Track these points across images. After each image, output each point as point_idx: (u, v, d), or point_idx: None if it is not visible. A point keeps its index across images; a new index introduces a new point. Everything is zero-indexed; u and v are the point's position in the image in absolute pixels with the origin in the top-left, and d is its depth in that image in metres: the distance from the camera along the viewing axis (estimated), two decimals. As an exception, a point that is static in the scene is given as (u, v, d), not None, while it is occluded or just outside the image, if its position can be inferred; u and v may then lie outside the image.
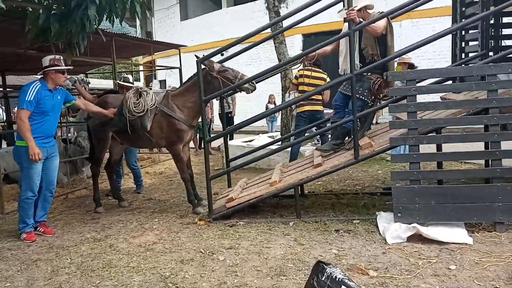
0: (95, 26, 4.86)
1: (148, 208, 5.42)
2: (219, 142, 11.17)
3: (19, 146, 4.27)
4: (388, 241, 3.72)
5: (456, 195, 3.83)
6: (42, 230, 4.48)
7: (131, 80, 7.12)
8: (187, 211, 5.11)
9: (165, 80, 23.62)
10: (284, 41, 8.40)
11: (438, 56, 12.70)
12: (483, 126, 4.27)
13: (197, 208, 4.97)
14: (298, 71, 6.43)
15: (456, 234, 3.68)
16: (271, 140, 8.22)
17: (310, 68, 6.27)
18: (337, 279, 2.37)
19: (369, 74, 4.44)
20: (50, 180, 4.47)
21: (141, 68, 19.63)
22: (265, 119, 12.22)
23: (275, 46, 8.37)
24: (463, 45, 5.70)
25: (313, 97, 6.03)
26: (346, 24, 4.35)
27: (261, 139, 8.38)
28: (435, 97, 5.17)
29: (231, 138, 9.82)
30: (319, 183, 6.03)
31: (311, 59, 5.25)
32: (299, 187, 4.60)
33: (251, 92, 4.93)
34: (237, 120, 9.85)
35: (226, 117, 8.91)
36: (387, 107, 4.14)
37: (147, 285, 3.19)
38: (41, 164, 4.28)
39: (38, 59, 7.77)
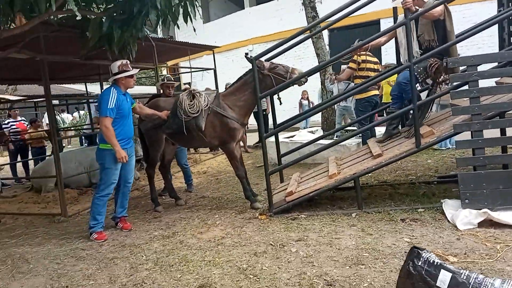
0: (148, 32, 5.01)
1: (205, 205, 5.53)
2: (255, 140, 11.31)
3: (103, 149, 4.49)
4: (459, 227, 3.71)
5: (524, 179, 3.79)
6: (122, 225, 4.75)
7: (172, 79, 7.29)
8: (244, 206, 5.20)
9: (189, 83, 23.92)
10: (322, 36, 8.42)
11: (481, 42, 12.52)
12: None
13: (255, 203, 5.06)
14: (360, 56, 6.48)
15: (528, 217, 3.65)
16: (312, 135, 8.27)
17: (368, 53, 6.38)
18: (435, 263, 2.39)
19: (431, 59, 4.41)
20: (128, 178, 4.76)
21: (164, 71, 19.93)
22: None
23: (313, 41, 8.40)
24: (511, 29, 5.61)
25: None
26: (401, 15, 4.38)
27: (302, 135, 8.42)
28: (490, 83, 5.11)
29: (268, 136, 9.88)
30: (369, 175, 6.03)
31: (365, 51, 5.27)
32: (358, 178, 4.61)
33: (303, 84, 5.01)
34: (271, 117, 9.91)
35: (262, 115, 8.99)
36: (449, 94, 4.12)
37: (227, 277, 3.28)
38: (120, 165, 4.51)
39: (81, 67, 8.03)
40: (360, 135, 6.88)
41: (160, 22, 4.48)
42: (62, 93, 14.08)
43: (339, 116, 8.78)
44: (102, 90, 4.73)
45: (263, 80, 4.90)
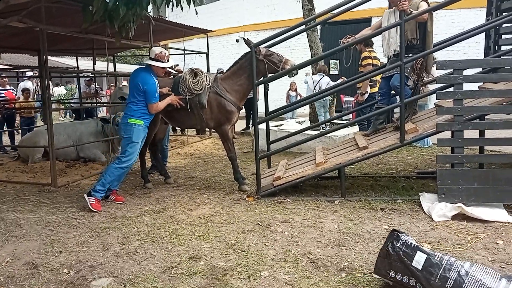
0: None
1: (194, 185, 5.70)
2: (242, 126, 11.47)
3: (131, 123, 4.76)
4: (434, 219, 3.98)
5: (497, 178, 4.07)
6: (114, 198, 4.91)
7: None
8: (232, 188, 5.39)
9: (177, 65, 23.76)
10: (316, 29, 8.60)
11: (467, 48, 12.88)
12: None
13: (243, 186, 5.25)
14: (371, 52, 6.92)
15: (497, 213, 3.95)
16: (299, 125, 8.50)
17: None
18: (412, 245, 2.64)
19: (410, 54, 4.66)
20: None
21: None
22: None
23: (307, 34, 8.57)
24: (497, 37, 5.90)
25: None
26: (387, 11, 4.64)
27: (290, 124, 8.64)
28: (473, 87, 5.40)
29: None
30: (353, 167, 6.29)
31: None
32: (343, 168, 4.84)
33: (294, 75, 5.22)
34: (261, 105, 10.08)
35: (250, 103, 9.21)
36: (435, 94, 4.37)
37: (217, 251, 3.48)
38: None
39: (74, 40, 7.99)
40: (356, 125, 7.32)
41: (164, 2, 4.56)
42: (53, 66, 13.92)
43: (319, 108, 9.41)
44: (140, 72, 4.86)
45: (257, 66, 5.06)
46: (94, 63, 9.58)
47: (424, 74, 4.77)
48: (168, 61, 4.85)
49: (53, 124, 7.91)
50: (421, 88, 4.89)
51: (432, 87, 5.74)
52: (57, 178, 6.07)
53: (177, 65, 15.82)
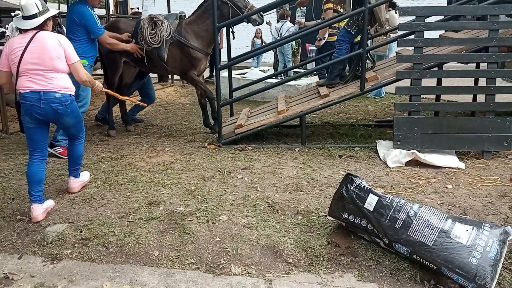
0: None
1: (154, 133, 5.59)
2: (206, 75, 11.22)
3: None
4: (389, 165, 4.11)
5: (451, 126, 4.21)
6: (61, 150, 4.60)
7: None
8: (193, 136, 5.33)
9: (138, 8, 22.58)
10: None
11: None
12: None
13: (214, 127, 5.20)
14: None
15: (449, 160, 4.11)
16: (263, 74, 8.39)
17: None
18: (365, 188, 2.72)
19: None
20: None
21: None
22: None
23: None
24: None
25: None
26: None
27: (253, 73, 8.51)
28: (434, 35, 5.44)
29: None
30: (314, 115, 6.34)
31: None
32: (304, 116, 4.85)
33: (259, 24, 5.08)
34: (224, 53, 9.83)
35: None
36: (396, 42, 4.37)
37: (176, 197, 3.47)
38: None
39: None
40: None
41: None
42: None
43: (279, 53, 9.48)
44: (74, 6, 4.55)
45: (221, 8, 4.85)
46: None
47: (370, 27, 4.74)
48: None
49: None
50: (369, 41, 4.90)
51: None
52: (9, 124, 5.80)
53: (138, 8, 15.03)
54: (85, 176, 3.74)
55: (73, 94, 3.28)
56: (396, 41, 4.41)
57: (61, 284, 2.48)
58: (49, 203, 3.27)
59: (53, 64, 3.08)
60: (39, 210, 3.11)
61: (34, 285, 2.47)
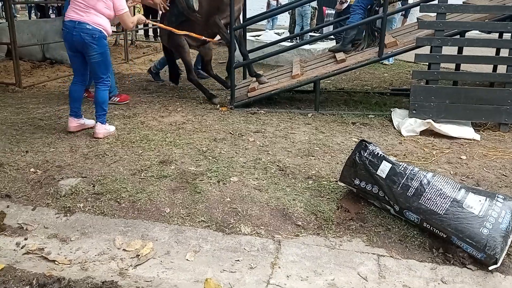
0: None
1: (166, 93, 5.56)
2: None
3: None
4: (403, 134, 4.06)
5: (468, 96, 4.11)
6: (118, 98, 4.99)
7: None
8: (205, 98, 5.28)
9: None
10: None
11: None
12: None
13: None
14: None
15: (465, 131, 4.04)
16: (277, 36, 8.21)
17: None
18: (378, 155, 2.69)
19: None
20: None
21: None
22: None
23: None
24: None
25: None
26: None
27: (268, 35, 8.33)
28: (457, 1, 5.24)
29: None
30: (328, 81, 6.23)
31: None
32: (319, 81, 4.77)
33: None
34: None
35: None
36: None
37: (187, 157, 3.48)
38: None
39: None
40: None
41: None
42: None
43: (298, 16, 9.01)
44: None
45: None
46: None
47: None
48: None
49: (16, 21, 7.42)
50: (377, 9, 4.71)
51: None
52: (23, 78, 5.81)
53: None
54: (111, 127, 3.99)
55: (105, 32, 3.67)
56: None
57: (74, 236, 2.53)
58: (87, 121, 3.96)
59: (96, 5, 3.55)
60: (73, 123, 3.86)
61: (48, 236, 2.54)
